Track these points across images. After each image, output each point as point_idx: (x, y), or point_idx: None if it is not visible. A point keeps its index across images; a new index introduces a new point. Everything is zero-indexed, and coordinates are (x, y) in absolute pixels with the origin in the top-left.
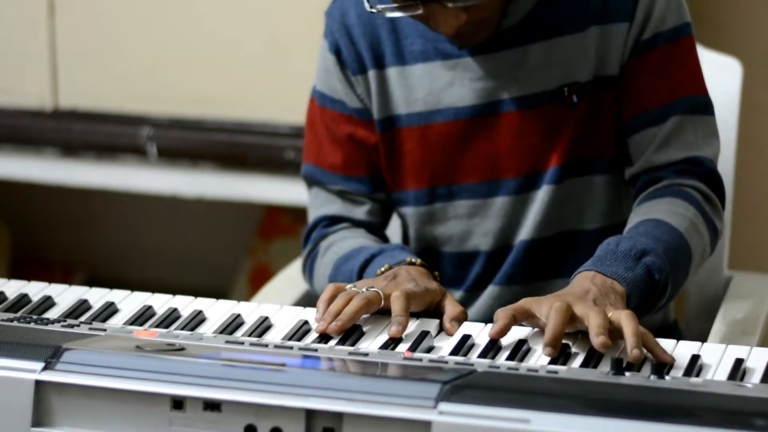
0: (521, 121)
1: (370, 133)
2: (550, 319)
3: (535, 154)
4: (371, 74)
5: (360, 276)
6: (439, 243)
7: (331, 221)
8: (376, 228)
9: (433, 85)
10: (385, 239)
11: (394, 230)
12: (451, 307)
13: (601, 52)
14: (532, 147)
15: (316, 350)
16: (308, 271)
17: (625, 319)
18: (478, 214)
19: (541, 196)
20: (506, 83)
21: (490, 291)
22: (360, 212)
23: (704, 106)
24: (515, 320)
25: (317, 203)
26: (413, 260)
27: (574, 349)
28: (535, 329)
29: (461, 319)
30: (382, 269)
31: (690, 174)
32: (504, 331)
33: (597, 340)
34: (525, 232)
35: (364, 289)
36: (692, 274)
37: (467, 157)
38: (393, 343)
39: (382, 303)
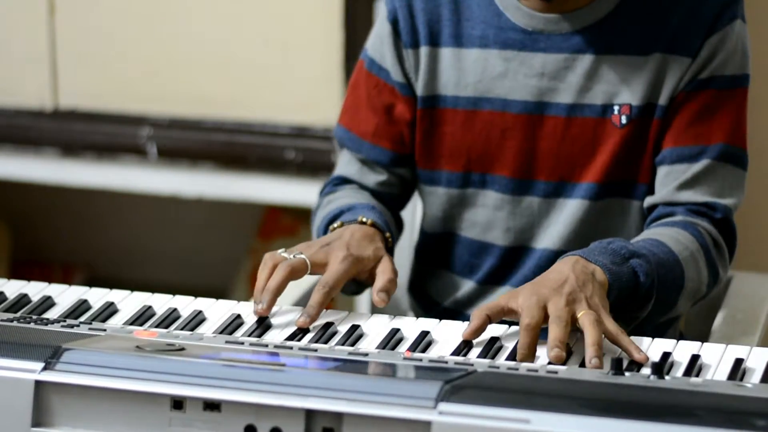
0: (565, 127)
1: (407, 110)
2: (521, 337)
3: (572, 163)
4: (423, 50)
5: (326, 230)
6: (462, 227)
7: (343, 182)
8: (387, 198)
9: (486, 73)
10: (394, 210)
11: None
12: (380, 277)
13: (658, 80)
14: (570, 155)
15: (316, 350)
16: (312, 223)
17: (588, 327)
18: (504, 209)
19: (574, 208)
20: (559, 87)
21: (506, 291)
22: (373, 180)
23: (739, 159)
24: (490, 320)
25: (341, 162)
26: (364, 219)
27: (573, 349)
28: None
29: (390, 289)
30: (335, 226)
31: (705, 217)
32: (478, 332)
33: (551, 353)
34: (550, 240)
35: (292, 256)
36: (681, 306)
37: (506, 150)
38: (392, 342)
39: (309, 270)
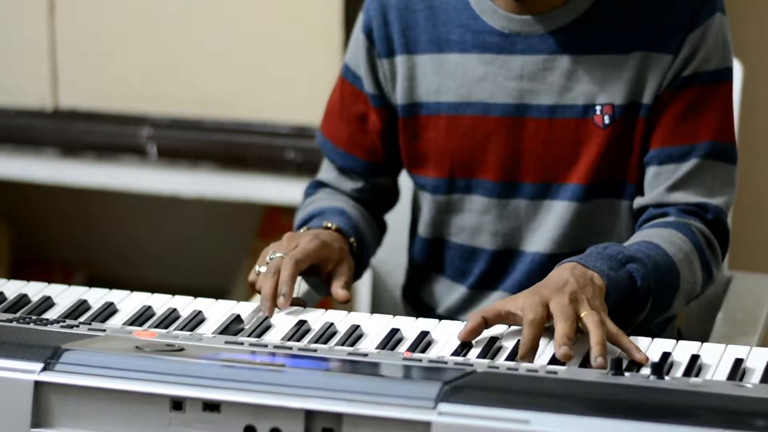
0: (547, 129)
1: (377, 121)
2: (524, 333)
3: (556, 164)
4: (399, 59)
5: None
6: (451, 233)
7: (323, 186)
8: (365, 203)
9: (466, 77)
10: (376, 214)
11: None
12: (338, 277)
13: (640, 78)
14: (554, 157)
15: (315, 350)
16: (293, 224)
17: (592, 327)
18: (490, 213)
19: (561, 210)
20: (539, 88)
21: (501, 297)
22: (350, 186)
23: (728, 155)
24: (486, 323)
25: (322, 168)
26: (329, 225)
27: (573, 350)
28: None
29: (347, 287)
30: (302, 232)
31: (697, 217)
32: (473, 334)
33: (559, 351)
34: (540, 243)
35: (268, 259)
36: (677, 306)
37: (490, 154)
38: (392, 343)
39: None
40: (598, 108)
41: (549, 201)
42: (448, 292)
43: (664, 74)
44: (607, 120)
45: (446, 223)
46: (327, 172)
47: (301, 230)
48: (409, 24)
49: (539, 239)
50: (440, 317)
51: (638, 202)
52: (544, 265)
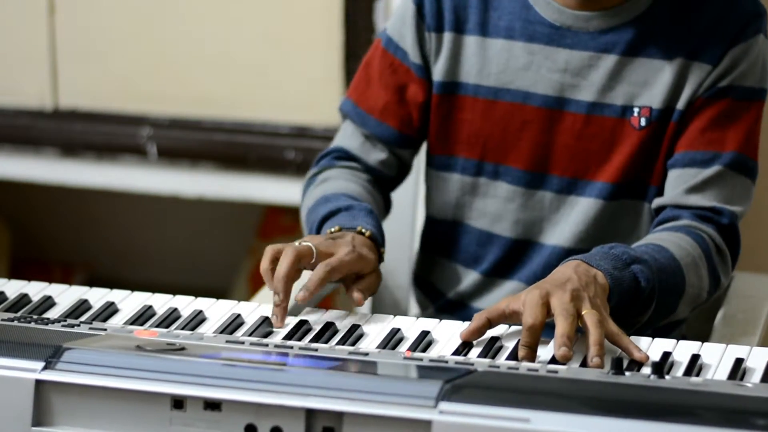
0: (584, 125)
1: (420, 92)
2: (522, 337)
3: (587, 161)
4: (447, 36)
5: (320, 225)
6: (471, 216)
7: (344, 156)
8: (383, 178)
9: (510, 64)
10: (386, 192)
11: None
12: (366, 281)
13: (679, 84)
14: (586, 153)
15: (316, 350)
16: (303, 193)
17: (591, 326)
18: (515, 201)
19: (586, 206)
20: (581, 84)
21: (515, 286)
22: (374, 158)
23: (750, 170)
24: (490, 323)
25: (343, 134)
26: (363, 230)
27: (573, 349)
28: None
29: (366, 293)
30: (333, 230)
31: (710, 222)
32: (475, 334)
33: (558, 352)
34: (560, 237)
35: (297, 243)
36: (681, 311)
37: (522, 142)
38: (393, 342)
39: (315, 257)
40: (636, 110)
41: (575, 196)
42: (460, 277)
43: (701, 83)
44: (643, 122)
45: (468, 206)
46: (351, 138)
47: (332, 227)
48: (461, 3)
49: (560, 233)
50: (451, 302)
51: (656, 202)
52: (561, 259)
